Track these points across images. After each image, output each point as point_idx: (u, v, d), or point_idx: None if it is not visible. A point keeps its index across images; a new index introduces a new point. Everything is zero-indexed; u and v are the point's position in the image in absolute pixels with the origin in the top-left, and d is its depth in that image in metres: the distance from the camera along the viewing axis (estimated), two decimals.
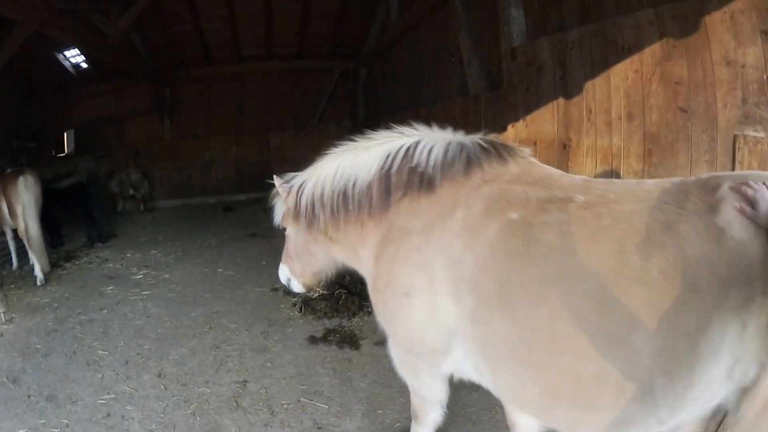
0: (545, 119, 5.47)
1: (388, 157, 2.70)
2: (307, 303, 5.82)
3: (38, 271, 7.30)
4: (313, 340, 5.01)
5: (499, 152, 2.56)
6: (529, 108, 5.73)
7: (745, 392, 1.77)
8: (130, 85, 15.10)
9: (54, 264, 7.75)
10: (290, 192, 3.13)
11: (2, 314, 5.92)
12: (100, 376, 4.44)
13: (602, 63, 4.67)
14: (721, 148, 3.60)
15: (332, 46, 15.40)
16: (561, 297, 2.04)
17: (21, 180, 7.22)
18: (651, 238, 1.91)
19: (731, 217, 1.79)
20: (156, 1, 11.50)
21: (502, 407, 3.15)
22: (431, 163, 2.57)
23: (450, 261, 2.34)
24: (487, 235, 2.27)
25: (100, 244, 9.54)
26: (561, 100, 5.21)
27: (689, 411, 1.93)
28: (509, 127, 6.14)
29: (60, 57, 14.33)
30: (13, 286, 7.20)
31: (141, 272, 7.61)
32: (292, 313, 5.70)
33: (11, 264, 8.03)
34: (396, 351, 2.85)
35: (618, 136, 4.50)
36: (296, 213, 3.08)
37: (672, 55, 3.97)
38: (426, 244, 2.44)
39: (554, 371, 2.08)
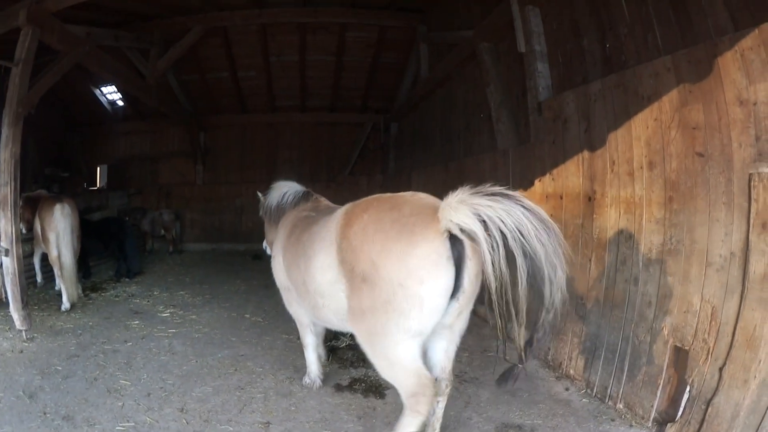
0: (571, 172, 5.50)
1: (282, 195, 5.25)
2: (334, 351, 5.86)
3: (65, 300, 7.31)
4: (338, 387, 5.00)
5: (308, 196, 5.18)
6: (556, 162, 5.76)
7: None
8: (166, 126, 15.60)
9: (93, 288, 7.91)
10: (263, 201, 5.66)
11: (24, 332, 6.00)
12: (121, 404, 4.47)
13: (624, 113, 4.71)
14: (737, 188, 3.58)
15: (364, 100, 15.75)
16: (301, 259, 4.10)
17: (58, 207, 7.27)
18: (316, 227, 4.02)
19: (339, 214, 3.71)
20: (194, 45, 11.97)
21: None
22: (287, 201, 5.18)
23: (283, 241, 4.72)
24: (289, 230, 4.66)
25: (128, 280, 9.68)
26: (586, 153, 5.25)
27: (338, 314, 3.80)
28: (536, 182, 6.18)
29: (97, 92, 14.95)
30: (36, 308, 7.30)
31: (168, 311, 7.68)
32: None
33: (36, 283, 8.12)
34: None
35: (640, 185, 4.52)
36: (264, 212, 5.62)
37: (688, 100, 3.99)
38: (283, 233, 4.83)
39: (312, 299, 4.05)
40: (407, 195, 3.53)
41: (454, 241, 3.11)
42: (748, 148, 3.50)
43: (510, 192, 3.05)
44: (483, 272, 3.02)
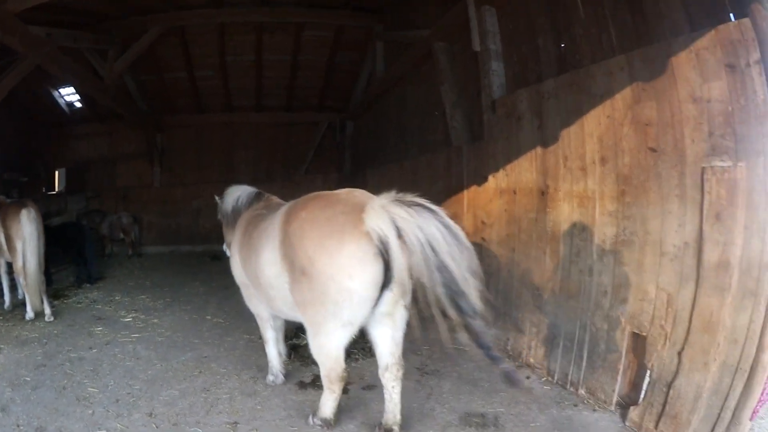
0: (524, 168, 5.66)
1: (236, 199, 5.44)
2: (295, 349, 5.94)
3: (29, 309, 7.15)
4: (302, 384, 5.09)
5: (260, 196, 5.35)
6: (509, 158, 5.92)
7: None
8: (123, 128, 15.44)
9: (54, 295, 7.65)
10: (220, 204, 5.86)
11: None
12: (91, 412, 4.45)
13: (577, 111, 4.87)
14: (690, 181, 3.74)
15: (320, 99, 15.85)
16: (252, 255, 4.38)
17: (24, 213, 7.00)
18: (264, 224, 4.36)
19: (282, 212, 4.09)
20: (152, 45, 11.85)
21: None
22: (241, 203, 5.36)
23: (239, 240, 4.89)
24: (243, 230, 4.86)
25: (89, 285, 9.58)
26: (539, 149, 5.40)
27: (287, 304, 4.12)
28: (490, 178, 6.35)
29: (55, 94, 14.65)
30: (1, 318, 7.22)
31: (130, 315, 7.66)
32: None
33: (4, 303, 7.81)
34: None
35: (593, 179, 4.69)
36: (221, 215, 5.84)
37: (642, 98, 4.15)
38: (238, 232, 4.99)
39: (265, 292, 4.36)
40: (342, 193, 3.91)
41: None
42: (701, 143, 3.66)
43: (432, 206, 3.47)
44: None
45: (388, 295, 3.62)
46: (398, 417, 3.97)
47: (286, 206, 4.21)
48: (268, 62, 13.81)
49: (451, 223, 3.39)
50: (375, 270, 3.49)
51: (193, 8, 11.31)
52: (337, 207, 3.70)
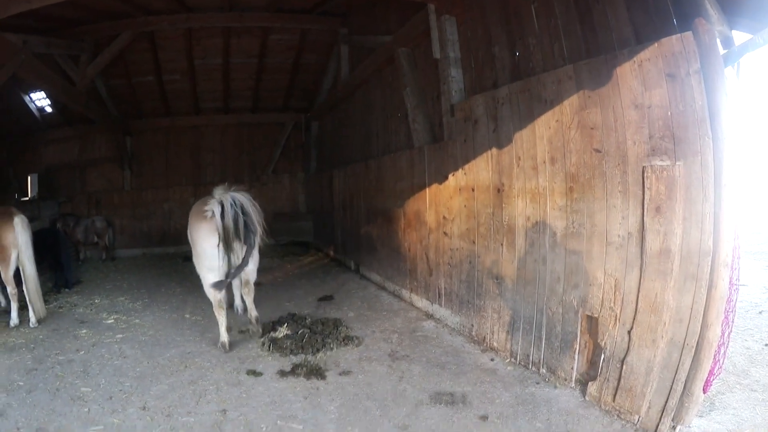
0: (481, 167, 6.01)
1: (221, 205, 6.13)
2: (274, 342, 6.24)
3: (14, 317, 7.11)
4: (282, 373, 5.40)
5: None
6: (467, 158, 6.27)
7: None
8: (92, 132, 15.36)
9: (23, 306, 7.35)
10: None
11: None
12: (87, 409, 4.60)
13: (528, 115, 5.19)
14: (632, 178, 4.07)
15: (285, 100, 16.05)
16: (197, 232, 6.21)
17: (17, 220, 6.92)
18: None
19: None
20: (122, 50, 11.95)
21: None
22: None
23: (192, 225, 6.37)
24: (195, 214, 6.35)
25: (68, 290, 9.65)
26: (494, 150, 5.74)
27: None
28: (450, 176, 6.71)
29: (26, 99, 14.54)
30: None
31: (112, 317, 7.81)
32: (261, 352, 6.08)
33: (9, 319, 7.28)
34: None
35: (543, 177, 5.03)
36: None
37: (587, 104, 4.46)
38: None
39: (207, 264, 6.21)
40: (200, 201, 6.40)
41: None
42: (642, 144, 4.01)
43: (241, 188, 6.20)
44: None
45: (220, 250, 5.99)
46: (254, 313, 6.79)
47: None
48: (234, 65, 13.95)
49: (248, 195, 6.13)
50: (215, 237, 5.94)
51: (162, 14, 11.36)
52: (201, 206, 6.18)
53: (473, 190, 6.24)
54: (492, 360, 5.66)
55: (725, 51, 3.76)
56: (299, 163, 17.02)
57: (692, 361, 3.72)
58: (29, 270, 7.14)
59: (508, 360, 5.57)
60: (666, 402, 3.85)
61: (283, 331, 6.54)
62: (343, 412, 4.55)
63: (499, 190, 5.74)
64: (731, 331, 3.91)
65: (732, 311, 3.84)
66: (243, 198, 6.01)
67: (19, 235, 6.96)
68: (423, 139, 7.79)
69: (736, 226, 3.61)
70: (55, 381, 5.31)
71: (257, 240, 6.11)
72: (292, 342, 6.19)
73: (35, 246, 8.10)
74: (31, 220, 11.86)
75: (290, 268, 12.43)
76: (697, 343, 3.69)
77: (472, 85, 6.69)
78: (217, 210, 5.82)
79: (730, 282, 3.64)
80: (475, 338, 6.23)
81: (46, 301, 8.46)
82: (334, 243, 13.14)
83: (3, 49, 7.64)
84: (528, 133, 5.27)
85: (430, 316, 7.45)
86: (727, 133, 3.52)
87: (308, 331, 6.54)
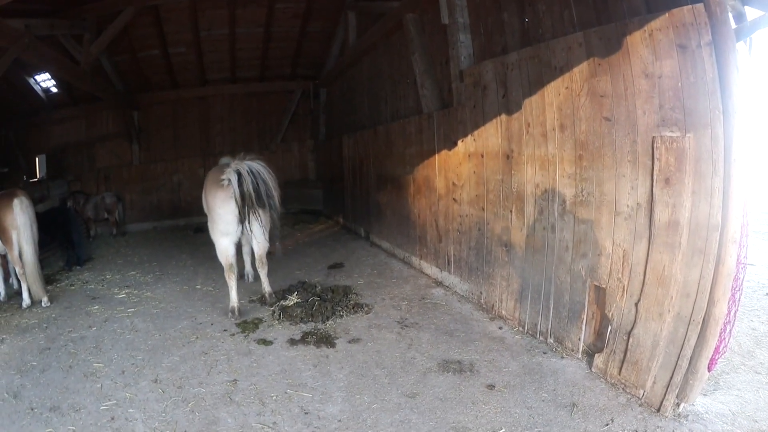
0: (490, 134, 5.95)
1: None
2: (284, 310, 6.29)
3: (26, 298, 7.17)
4: (292, 342, 5.47)
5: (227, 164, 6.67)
6: (477, 124, 6.20)
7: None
8: (99, 109, 15.27)
9: None
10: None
11: None
12: (99, 385, 4.67)
13: (538, 82, 5.11)
14: (641, 148, 3.99)
15: (293, 68, 15.86)
16: (213, 200, 6.41)
17: (17, 202, 6.92)
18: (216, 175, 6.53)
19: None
20: (126, 26, 11.78)
21: None
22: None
23: (209, 192, 6.60)
24: (211, 182, 6.53)
25: (79, 267, 9.71)
26: (503, 116, 5.67)
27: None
28: (459, 142, 6.65)
29: (31, 81, 14.46)
30: None
31: (123, 292, 7.87)
32: (271, 321, 6.13)
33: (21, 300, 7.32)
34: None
35: (553, 145, 4.96)
36: None
37: (597, 72, 4.37)
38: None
39: (222, 228, 6.49)
40: (216, 168, 6.79)
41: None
42: (652, 114, 3.92)
43: (259, 158, 6.34)
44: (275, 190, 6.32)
45: (236, 216, 6.25)
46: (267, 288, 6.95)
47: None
48: (241, 35, 13.74)
49: (264, 164, 6.24)
50: (234, 204, 6.13)
51: None
52: (218, 174, 6.32)
53: (482, 156, 6.18)
54: (500, 328, 5.66)
55: (737, 26, 3.61)
56: (308, 131, 16.94)
57: (698, 337, 3.67)
58: (27, 252, 7.13)
59: (516, 329, 5.57)
60: (671, 378, 3.81)
61: (293, 300, 6.61)
62: (352, 380, 4.60)
63: (508, 157, 5.68)
64: (737, 309, 3.81)
65: (739, 289, 3.74)
66: (259, 166, 6.14)
67: (18, 216, 6.95)
68: (432, 105, 7.71)
69: (745, 203, 3.53)
70: (68, 359, 5.37)
71: (276, 204, 6.38)
72: (302, 310, 6.24)
73: (46, 225, 8.16)
74: (41, 200, 12.02)
75: (300, 236, 12.48)
76: (704, 319, 3.63)
77: (481, 50, 6.60)
78: (234, 178, 5.99)
79: (737, 259, 3.54)
80: (484, 306, 6.24)
81: (58, 280, 8.76)
82: (344, 211, 13.15)
83: (6, 35, 7.52)
84: (537, 99, 5.18)
85: (439, 283, 7.46)
86: (738, 108, 3.41)
87: (318, 299, 6.59)
